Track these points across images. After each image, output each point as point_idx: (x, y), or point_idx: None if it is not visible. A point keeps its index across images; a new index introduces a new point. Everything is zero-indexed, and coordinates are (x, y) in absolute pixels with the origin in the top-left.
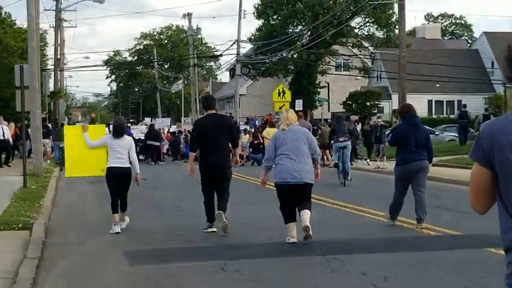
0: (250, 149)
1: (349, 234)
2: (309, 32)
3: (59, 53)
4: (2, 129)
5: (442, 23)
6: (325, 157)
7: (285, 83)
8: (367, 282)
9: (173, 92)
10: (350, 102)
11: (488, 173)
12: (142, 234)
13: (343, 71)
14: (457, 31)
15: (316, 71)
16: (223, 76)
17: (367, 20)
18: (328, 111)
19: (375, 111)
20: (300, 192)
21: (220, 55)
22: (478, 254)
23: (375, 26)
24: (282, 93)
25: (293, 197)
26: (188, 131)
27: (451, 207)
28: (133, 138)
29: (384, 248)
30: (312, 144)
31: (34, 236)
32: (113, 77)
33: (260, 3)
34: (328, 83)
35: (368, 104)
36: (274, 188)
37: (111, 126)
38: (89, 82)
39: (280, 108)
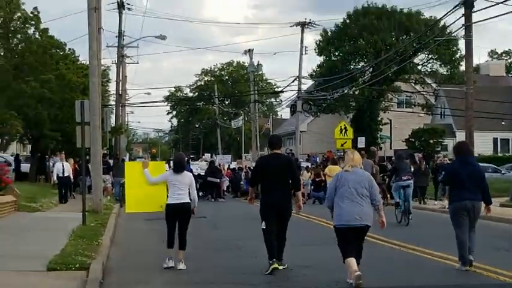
0: (312, 187)
1: (419, 279)
2: (371, 69)
3: (120, 88)
4: (63, 166)
5: (506, 59)
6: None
7: (346, 120)
8: None
9: (233, 128)
10: (413, 140)
11: None
12: (202, 275)
13: (406, 107)
14: None
15: (378, 108)
16: (284, 112)
17: (430, 56)
18: (391, 148)
19: (439, 148)
20: (359, 234)
21: (281, 91)
22: None
23: (439, 63)
24: (344, 130)
25: (353, 238)
26: (249, 167)
27: None
28: (193, 174)
29: None
30: (372, 190)
31: (91, 277)
32: (174, 112)
33: (321, 39)
34: (390, 120)
35: (431, 141)
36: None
37: (171, 161)
38: (150, 118)
39: (342, 145)
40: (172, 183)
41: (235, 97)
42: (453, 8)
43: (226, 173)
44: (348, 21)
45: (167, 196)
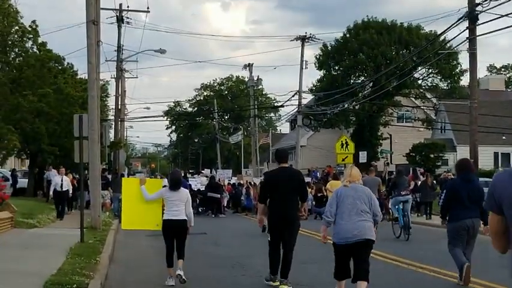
0: (313, 202)
1: None
2: (371, 83)
3: (119, 103)
4: (62, 181)
5: (505, 74)
6: None
7: (347, 135)
8: None
9: (232, 143)
10: (414, 154)
11: (501, 219)
12: None
13: (406, 122)
14: None
15: (379, 123)
16: (283, 127)
17: (430, 70)
18: (391, 163)
19: (439, 163)
20: (360, 250)
21: (282, 106)
22: None
23: (439, 77)
24: (345, 145)
25: (351, 256)
26: (249, 183)
27: None
28: (193, 190)
29: None
30: (373, 205)
31: None
32: (173, 127)
33: (321, 53)
34: (390, 135)
35: (432, 156)
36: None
37: None
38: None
39: (343, 160)
40: (168, 200)
41: (235, 112)
42: (456, 21)
43: (226, 188)
44: (348, 35)
45: (163, 214)
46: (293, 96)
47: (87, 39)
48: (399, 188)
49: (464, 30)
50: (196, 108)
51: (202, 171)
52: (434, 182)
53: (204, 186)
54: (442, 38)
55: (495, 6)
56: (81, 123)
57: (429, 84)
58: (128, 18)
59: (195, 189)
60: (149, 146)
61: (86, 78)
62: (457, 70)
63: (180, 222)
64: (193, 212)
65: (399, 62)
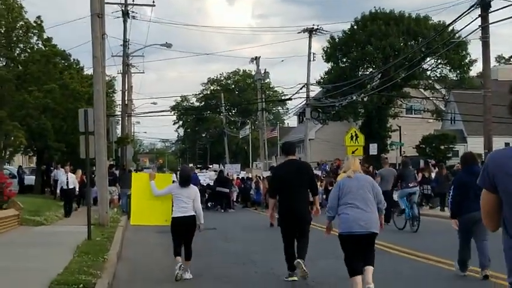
0: (324, 196)
1: None
2: (380, 75)
3: (126, 98)
4: (67, 178)
5: None
6: None
7: (355, 127)
8: None
9: (240, 137)
10: (423, 146)
11: (494, 197)
12: None
13: (415, 114)
14: None
15: (387, 114)
16: (291, 121)
17: (439, 61)
18: (400, 155)
19: (450, 155)
20: (366, 242)
21: (290, 98)
22: None
23: (448, 68)
24: (355, 137)
25: (359, 248)
26: (258, 176)
27: None
28: (201, 185)
29: None
30: (377, 193)
31: None
32: (180, 122)
33: (329, 46)
34: (399, 127)
35: (442, 147)
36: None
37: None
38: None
39: (353, 152)
40: (177, 197)
41: (242, 106)
42: (468, 9)
43: (235, 183)
44: (355, 27)
45: (172, 210)
46: (301, 88)
47: (92, 33)
48: (406, 180)
49: (476, 18)
50: (203, 103)
51: (210, 166)
52: (449, 172)
53: (212, 181)
54: (450, 28)
55: None
56: (87, 117)
57: (438, 75)
58: (133, 12)
59: (204, 184)
60: (157, 142)
61: (92, 73)
62: (466, 60)
63: (188, 218)
64: (202, 207)
65: (408, 53)
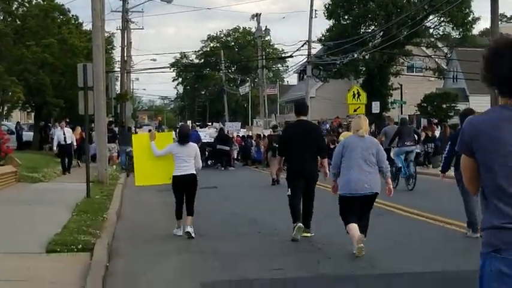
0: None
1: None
2: (382, 32)
3: (125, 54)
4: (64, 134)
5: None
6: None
7: (357, 85)
8: None
9: (240, 94)
10: (425, 105)
11: (473, 161)
12: (220, 258)
13: (416, 72)
14: None
15: (389, 73)
16: (291, 79)
17: (442, 19)
18: (401, 113)
19: (452, 113)
20: (365, 203)
21: (291, 56)
22: None
23: (451, 26)
24: (357, 95)
25: (358, 208)
26: (258, 134)
27: None
28: (202, 142)
29: None
30: (380, 155)
31: (95, 259)
32: (180, 79)
33: (331, 2)
34: (401, 85)
35: (444, 106)
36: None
37: None
38: (155, 85)
39: (355, 110)
40: (177, 156)
41: (242, 63)
42: None
43: (236, 141)
44: None
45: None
46: (302, 46)
47: None
48: (403, 138)
49: None
50: (202, 60)
51: (209, 124)
52: (437, 132)
53: (213, 139)
54: None
55: None
56: (86, 73)
57: (440, 33)
58: None
59: (204, 142)
60: (156, 99)
61: (91, 29)
62: (469, 18)
63: (189, 176)
64: (202, 165)
65: (410, 10)
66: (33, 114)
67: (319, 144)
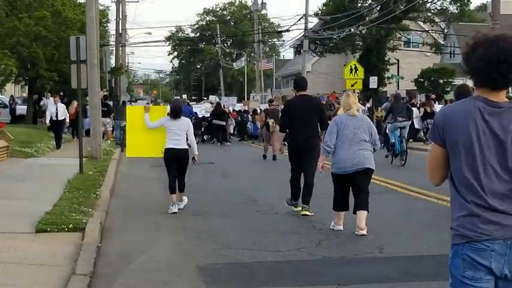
0: (323, 132)
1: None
2: (379, 7)
3: (120, 28)
4: (56, 109)
5: None
6: None
7: (354, 60)
8: None
9: (236, 69)
10: (422, 80)
11: (443, 151)
12: (217, 239)
13: (413, 47)
14: None
15: (386, 47)
16: (286, 53)
17: None
18: (398, 88)
19: (449, 89)
20: (359, 180)
21: (287, 30)
22: None
23: (448, 0)
24: (354, 70)
25: (351, 186)
26: (254, 109)
27: None
28: (198, 117)
29: None
30: (373, 134)
31: (87, 240)
32: (175, 53)
33: None
34: (398, 60)
35: (441, 81)
36: None
37: None
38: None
39: (352, 85)
40: (169, 129)
41: (238, 37)
42: None
43: (232, 116)
44: None
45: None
46: (299, 20)
47: None
48: (395, 113)
49: None
50: (198, 34)
51: (204, 98)
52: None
53: (209, 113)
54: None
55: None
56: (79, 45)
57: (438, 8)
58: None
59: (200, 117)
60: (151, 73)
61: (85, 1)
62: None
63: (180, 151)
64: (198, 140)
65: None
66: (27, 87)
67: (322, 118)
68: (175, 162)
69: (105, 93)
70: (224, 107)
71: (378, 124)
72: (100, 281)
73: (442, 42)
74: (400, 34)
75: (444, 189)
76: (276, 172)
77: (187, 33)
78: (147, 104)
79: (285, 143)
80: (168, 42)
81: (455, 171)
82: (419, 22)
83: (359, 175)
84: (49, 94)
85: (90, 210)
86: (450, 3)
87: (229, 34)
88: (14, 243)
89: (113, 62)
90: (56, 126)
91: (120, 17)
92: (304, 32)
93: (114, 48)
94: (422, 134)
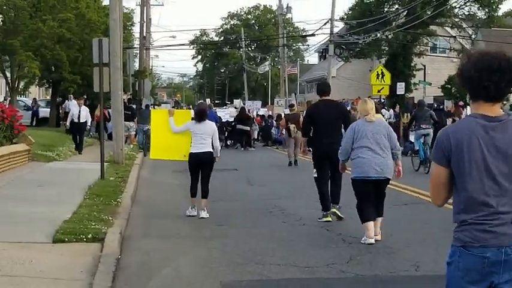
0: None
1: None
2: (406, 12)
3: (144, 31)
4: (79, 111)
5: None
6: None
7: (380, 65)
8: None
9: (260, 73)
10: (449, 86)
11: (447, 171)
12: (242, 252)
13: (440, 52)
14: None
15: (412, 53)
16: (311, 58)
17: None
18: (425, 94)
19: None
20: (379, 188)
21: (313, 34)
22: None
23: (476, 6)
24: (380, 76)
25: (372, 193)
26: (278, 114)
27: None
28: (222, 122)
29: None
30: (391, 138)
31: (106, 252)
32: (199, 57)
33: None
34: (424, 66)
35: None
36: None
37: None
38: (174, 62)
39: (379, 91)
40: (194, 133)
41: (262, 41)
42: None
43: (256, 120)
44: None
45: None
46: (324, 24)
47: None
48: (419, 121)
49: None
50: (222, 38)
51: (228, 103)
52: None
53: (232, 118)
54: None
55: None
56: (101, 48)
57: (466, 13)
58: None
59: (224, 121)
60: (175, 76)
61: (109, 3)
62: None
63: (205, 154)
64: (222, 144)
65: None
66: (50, 90)
67: (347, 122)
68: (200, 166)
69: (129, 97)
70: (249, 111)
71: (405, 131)
72: None
73: (470, 47)
74: (427, 39)
75: None
76: (302, 179)
77: (212, 37)
78: (172, 107)
79: (310, 149)
80: (192, 46)
81: (461, 189)
82: (446, 28)
83: (379, 183)
84: (71, 96)
85: (110, 218)
86: (478, 9)
87: (253, 38)
88: (29, 254)
89: (136, 65)
90: (77, 128)
91: (145, 20)
92: (329, 37)
93: (138, 52)
94: None
